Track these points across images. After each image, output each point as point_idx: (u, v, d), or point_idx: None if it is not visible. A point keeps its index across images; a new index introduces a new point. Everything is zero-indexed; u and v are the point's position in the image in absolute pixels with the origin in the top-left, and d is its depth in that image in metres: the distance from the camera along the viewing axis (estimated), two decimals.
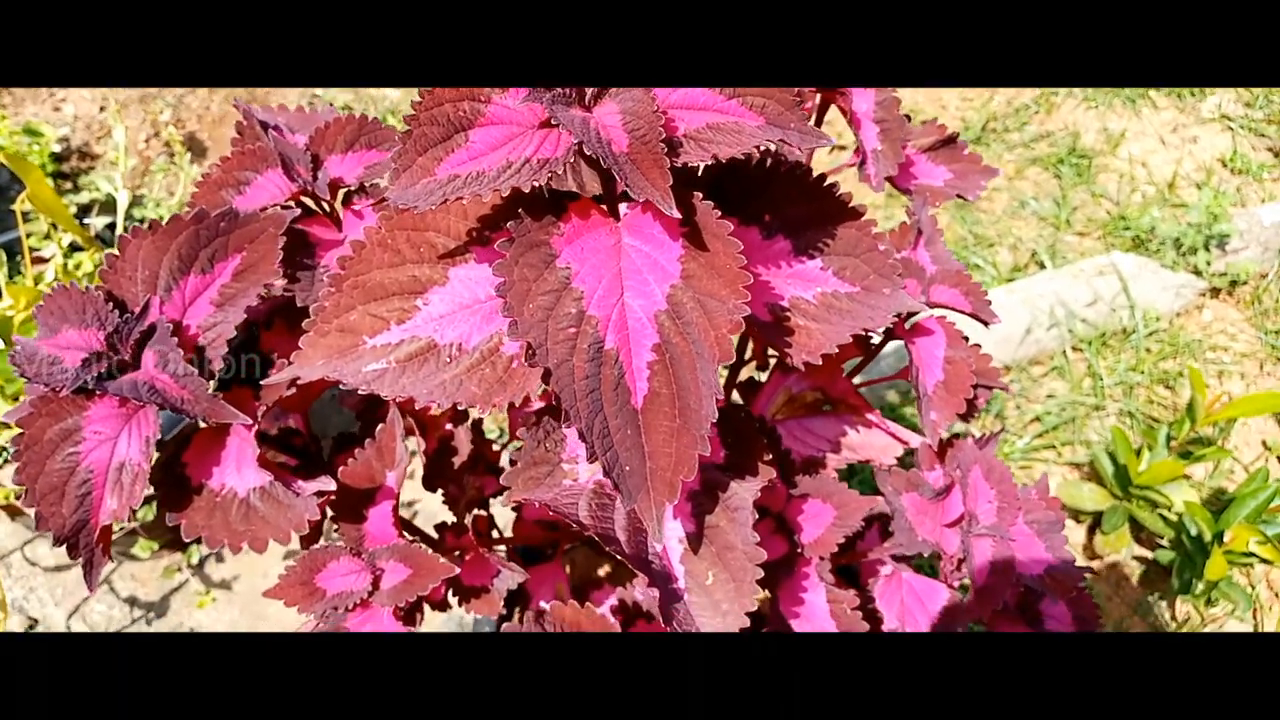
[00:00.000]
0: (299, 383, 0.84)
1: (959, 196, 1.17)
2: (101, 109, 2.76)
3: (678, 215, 0.62)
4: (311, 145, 0.97)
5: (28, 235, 2.04)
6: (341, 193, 0.98)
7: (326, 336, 0.84)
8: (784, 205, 0.87)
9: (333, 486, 0.81)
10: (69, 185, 2.60)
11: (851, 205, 0.88)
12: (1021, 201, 2.97)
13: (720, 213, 0.69)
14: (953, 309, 1.01)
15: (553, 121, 0.64)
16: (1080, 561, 2.29)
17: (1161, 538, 2.09)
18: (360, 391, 0.79)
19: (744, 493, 0.80)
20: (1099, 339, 2.63)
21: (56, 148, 2.68)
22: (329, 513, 0.98)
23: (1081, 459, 2.44)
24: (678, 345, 0.69)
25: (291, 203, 0.97)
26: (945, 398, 0.98)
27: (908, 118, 1.19)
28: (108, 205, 2.24)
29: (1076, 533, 2.35)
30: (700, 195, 0.70)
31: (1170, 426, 2.24)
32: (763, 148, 0.74)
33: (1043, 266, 2.82)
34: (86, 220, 2.18)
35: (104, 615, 2.17)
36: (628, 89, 0.66)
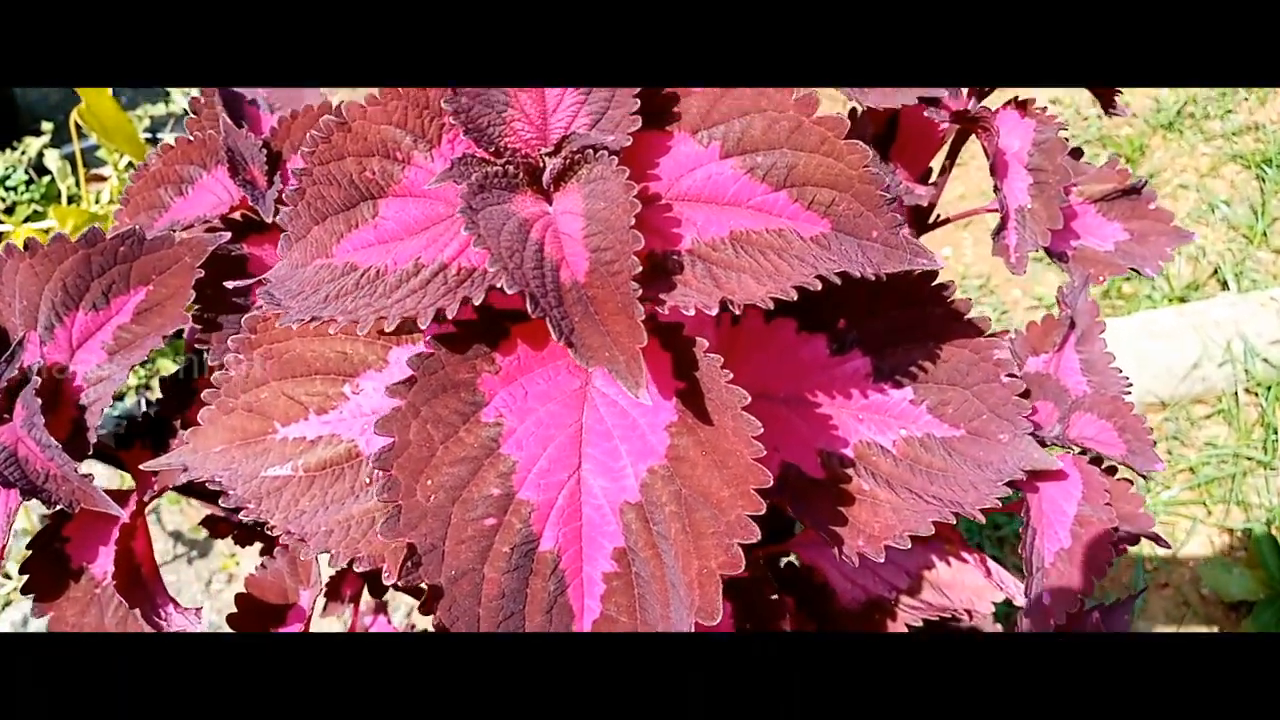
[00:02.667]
0: (190, 475, 0.64)
1: (1133, 270, 0.87)
2: None
3: (648, 401, 0.38)
4: (274, 139, 0.76)
5: (95, 148, 1.93)
6: None
7: (231, 415, 0.64)
8: (867, 308, 0.61)
9: (198, 627, 0.62)
10: None
11: (968, 316, 0.62)
12: (1211, 204, 2.54)
13: (732, 373, 0.44)
14: (1099, 451, 0.73)
15: (466, 228, 0.40)
16: None
17: None
18: (245, 515, 0.59)
19: None
20: None
21: None
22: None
23: (1236, 523, 2.09)
24: (648, 563, 0.45)
25: (238, 214, 0.76)
26: (1067, 574, 0.71)
27: (1077, 152, 0.89)
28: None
29: (1214, 610, 2.02)
30: (706, 343, 0.45)
31: None
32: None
33: (1225, 287, 2.41)
34: (160, 135, 2.05)
35: None
36: (600, 177, 0.41)
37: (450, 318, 0.42)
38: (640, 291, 0.39)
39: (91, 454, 0.70)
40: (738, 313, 0.42)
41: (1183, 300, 2.37)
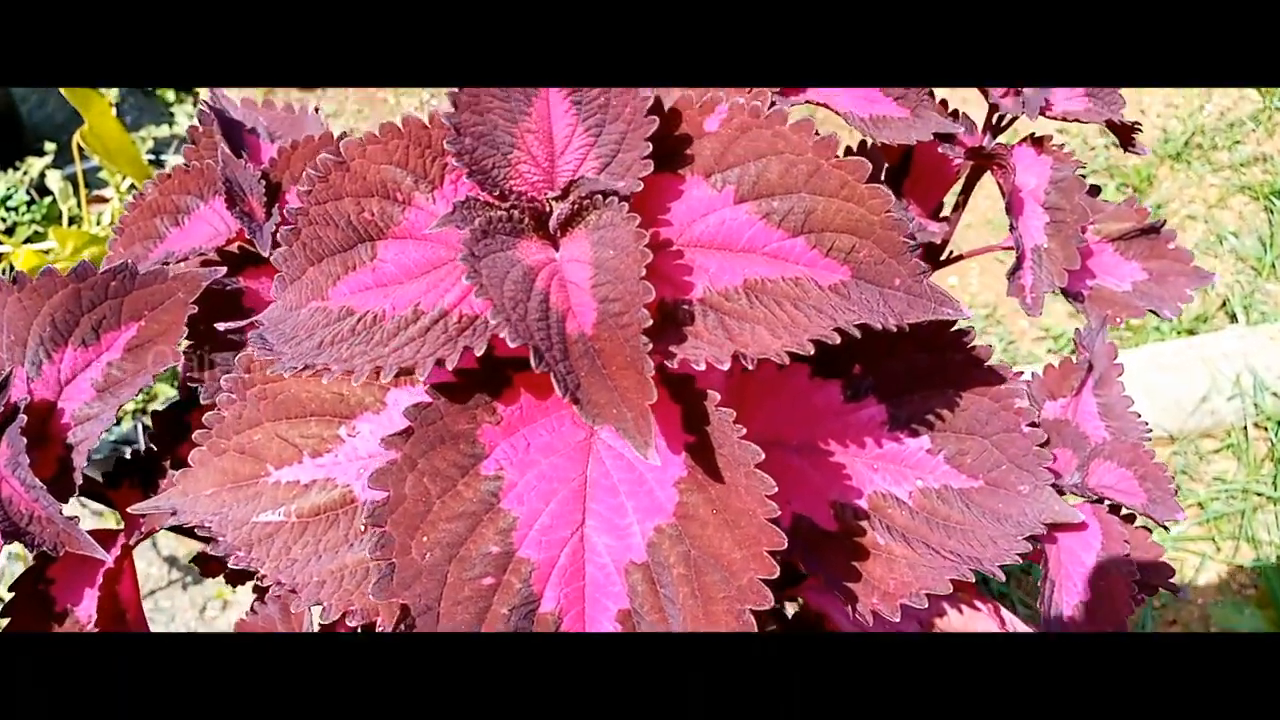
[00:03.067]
0: (179, 520, 0.62)
1: (1152, 312, 0.85)
2: None
3: (656, 461, 0.36)
4: (273, 170, 0.74)
5: (97, 169, 1.91)
6: None
7: (222, 457, 0.61)
8: (883, 354, 0.59)
9: None
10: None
11: (988, 363, 0.60)
12: (1220, 235, 2.52)
13: (743, 425, 0.42)
14: (1119, 501, 0.71)
15: (467, 276, 0.38)
16: None
17: None
18: (234, 562, 0.57)
19: None
20: None
21: None
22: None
23: (1245, 560, 2.06)
24: (654, 628, 0.43)
25: (235, 247, 0.74)
26: (1086, 628, 0.69)
27: (1094, 190, 0.87)
28: None
29: None
30: (718, 396, 0.42)
31: None
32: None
33: (1234, 319, 2.39)
34: (164, 156, 2.04)
35: (141, 573, 2.08)
36: (610, 224, 0.39)
37: (450, 368, 0.40)
38: (650, 345, 0.37)
39: (79, 493, 0.68)
40: (750, 366, 0.40)
41: (1191, 333, 2.35)
